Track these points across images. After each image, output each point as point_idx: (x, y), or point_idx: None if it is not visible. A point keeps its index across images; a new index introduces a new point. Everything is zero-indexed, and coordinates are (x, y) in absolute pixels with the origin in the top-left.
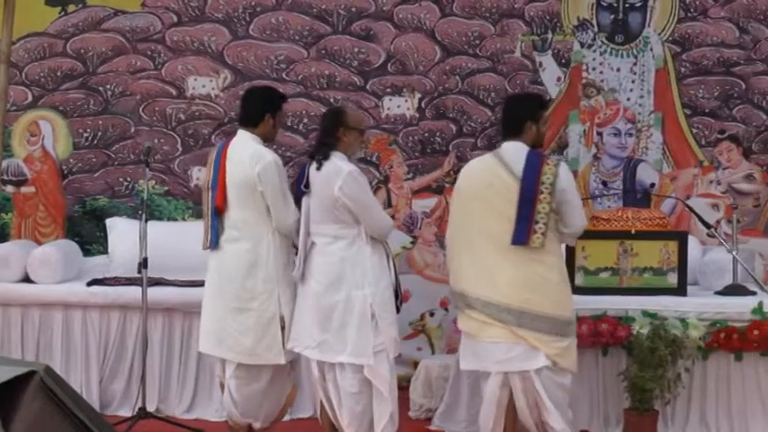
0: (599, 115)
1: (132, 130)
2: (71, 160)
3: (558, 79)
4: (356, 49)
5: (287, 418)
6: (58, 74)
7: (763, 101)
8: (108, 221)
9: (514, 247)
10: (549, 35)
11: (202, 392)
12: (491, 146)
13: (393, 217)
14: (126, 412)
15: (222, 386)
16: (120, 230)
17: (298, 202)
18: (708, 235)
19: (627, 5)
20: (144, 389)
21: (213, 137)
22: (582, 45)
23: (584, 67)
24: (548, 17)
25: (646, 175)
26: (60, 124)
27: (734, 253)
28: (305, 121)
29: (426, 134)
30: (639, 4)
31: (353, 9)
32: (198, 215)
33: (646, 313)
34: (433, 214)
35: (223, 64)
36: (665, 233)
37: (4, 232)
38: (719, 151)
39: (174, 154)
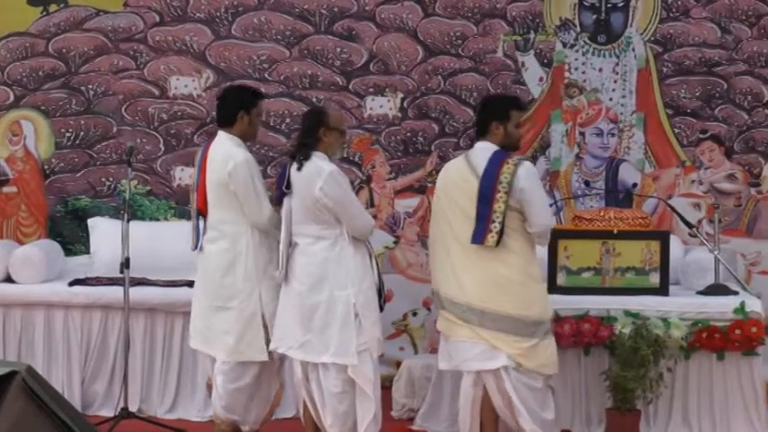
0: (581, 115)
1: (114, 129)
2: (53, 160)
3: (541, 79)
4: (338, 49)
5: None
6: (40, 73)
7: (744, 101)
8: (90, 221)
9: (476, 246)
10: (532, 35)
11: (184, 392)
12: (473, 146)
13: (375, 217)
14: (108, 412)
15: (209, 386)
16: (103, 230)
17: (279, 203)
18: (690, 235)
19: (609, 5)
20: (126, 389)
21: (196, 137)
22: (564, 45)
23: (567, 67)
24: (530, 17)
25: (628, 174)
26: (42, 124)
27: (716, 253)
28: (287, 120)
29: (409, 134)
30: (621, 4)
31: (336, 9)
32: (180, 215)
33: (628, 313)
34: (415, 214)
35: (205, 64)
36: (648, 233)
37: None
38: (701, 151)
39: (156, 154)
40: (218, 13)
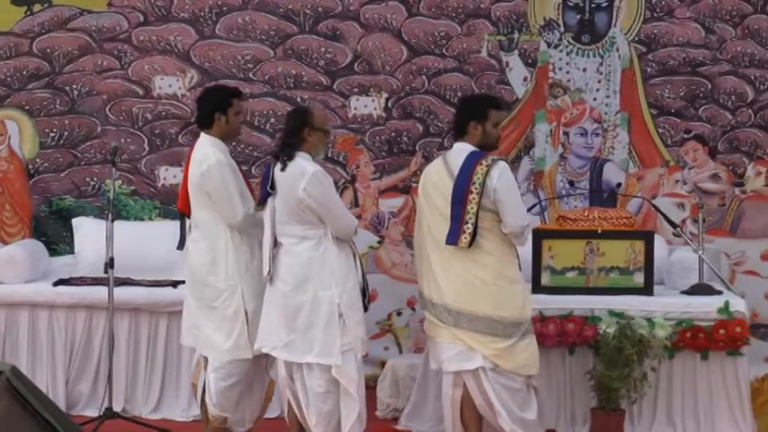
0: (565, 115)
1: (99, 129)
2: (37, 160)
3: (525, 79)
4: (323, 49)
5: None
6: (24, 73)
7: (728, 101)
8: (74, 221)
9: (452, 247)
10: (516, 35)
11: (169, 392)
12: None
13: (360, 217)
14: (92, 412)
15: (194, 386)
16: (87, 230)
17: (264, 203)
18: (674, 234)
19: (593, 6)
20: (110, 389)
21: (180, 137)
22: (548, 45)
23: (551, 67)
24: (514, 17)
25: (612, 174)
26: (27, 124)
27: (700, 252)
28: (272, 120)
29: (393, 134)
30: (605, 4)
31: (320, 9)
32: (164, 215)
33: (612, 313)
34: (399, 214)
35: (190, 64)
36: (632, 233)
37: None
38: (685, 151)
39: (140, 154)
40: (203, 13)
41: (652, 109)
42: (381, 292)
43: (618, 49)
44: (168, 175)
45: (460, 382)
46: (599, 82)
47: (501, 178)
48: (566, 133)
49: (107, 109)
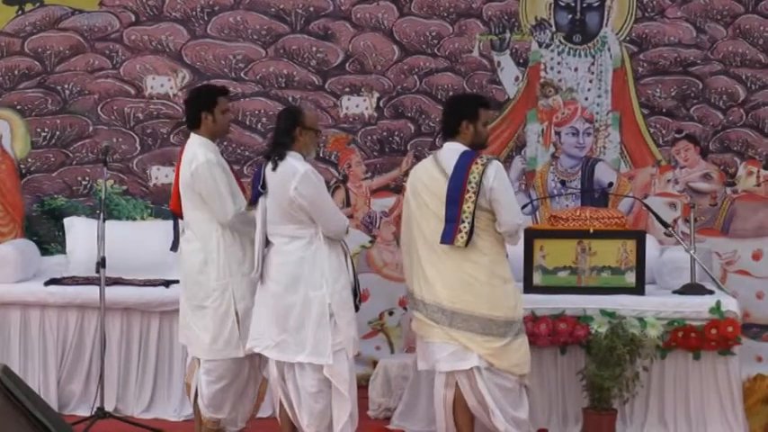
0: (557, 115)
1: (90, 129)
2: (29, 159)
3: (516, 79)
4: (314, 49)
5: None
6: (16, 73)
7: (719, 100)
8: (66, 221)
9: (446, 247)
10: (507, 35)
11: (161, 392)
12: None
13: (351, 216)
14: (84, 412)
15: (187, 386)
16: (79, 230)
17: (255, 203)
18: (665, 234)
19: (584, 5)
20: (102, 388)
21: (172, 136)
22: (540, 45)
23: (542, 67)
24: (505, 17)
25: (604, 174)
26: (18, 123)
27: (691, 252)
28: (263, 120)
29: (385, 133)
30: (597, 3)
31: (312, 8)
32: (156, 215)
33: (604, 312)
34: (391, 213)
35: (181, 63)
36: (623, 232)
37: None
38: (677, 150)
39: (132, 153)
40: (194, 13)
41: (643, 109)
42: (373, 292)
43: (609, 49)
44: (160, 175)
45: (453, 382)
46: (590, 82)
47: (497, 177)
48: (557, 133)
49: (99, 108)
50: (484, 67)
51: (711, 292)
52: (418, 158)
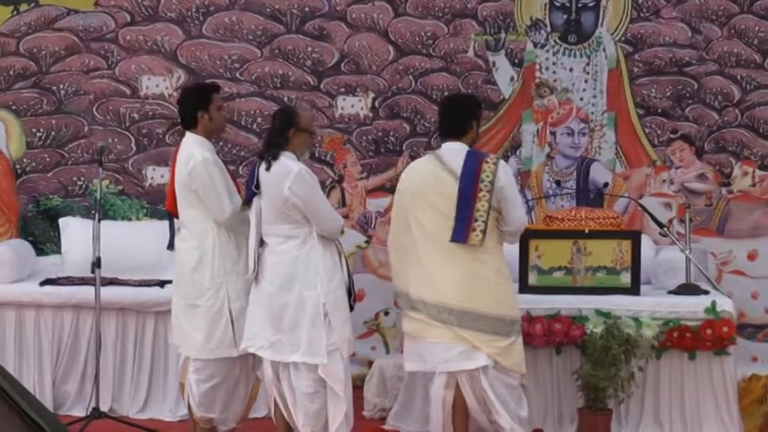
0: (552, 115)
1: (86, 129)
2: (24, 160)
3: (512, 79)
4: (310, 49)
5: None
6: (11, 73)
7: (715, 101)
8: (61, 221)
9: (454, 246)
10: (503, 35)
11: (156, 392)
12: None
13: (347, 216)
14: (79, 412)
15: (182, 386)
16: (74, 230)
17: (249, 203)
18: (661, 234)
19: (579, 5)
20: (97, 389)
21: (167, 136)
22: (535, 45)
23: (538, 67)
24: (501, 17)
25: (599, 174)
26: (13, 124)
27: (687, 252)
28: (259, 120)
29: (380, 134)
30: (592, 4)
31: (307, 9)
32: (152, 215)
33: (599, 312)
34: (387, 213)
35: (177, 63)
36: (619, 232)
37: None
38: (672, 151)
39: (127, 153)
40: (190, 13)
41: (639, 109)
42: (369, 292)
43: (604, 49)
44: (155, 175)
45: (453, 382)
46: (586, 82)
47: (506, 176)
48: (552, 133)
49: (94, 109)
50: (479, 67)
51: (707, 293)
52: (413, 158)
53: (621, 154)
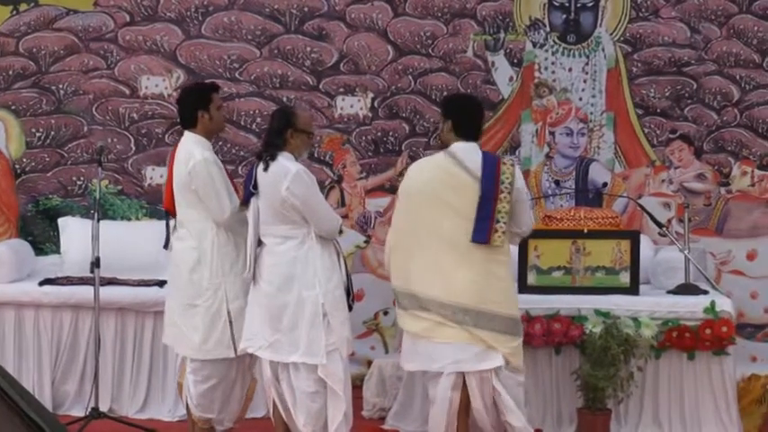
0: (551, 115)
1: (85, 129)
2: (24, 160)
3: (511, 79)
4: (309, 49)
5: None
6: (10, 73)
7: (714, 101)
8: (60, 221)
9: (471, 246)
10: (502, 35)
11: (155, 392)
12: (444, 145)
13: (346, 216)
14: (78, 412)
15: (180, 386)
16: (73, 230)
17: (247, 203)
18: (660, 234)
19: (579, 5)
20: (97, 389)
21: (166, 136)
22: (534, 45)
23: (537, 67)
24: (500, 17)
25: (598, 174)
26: (13, 124)
27: (686, 252)
28: (258, 120)
29: (379, 134)
30: (591, 4)
31: (306, 9)
32: (151, 215)
33: (598, 312)
34: (386, 213)
35: (176, 63)
36: (618, 232)
37: None
38: (671, 151)
39: (127, 153)
40: (189, 13)
41: (638, 109)
42: (368, 292)
43: (603, 49)
44: (155, 175)
45: (461, 383)
46: (585, 82)
47: (521, 179)
48: (551, 133)
49: (93, 109)
50: (478, 67)
51: (706, 292)
52: (413, 158)
53: (620, 154)
